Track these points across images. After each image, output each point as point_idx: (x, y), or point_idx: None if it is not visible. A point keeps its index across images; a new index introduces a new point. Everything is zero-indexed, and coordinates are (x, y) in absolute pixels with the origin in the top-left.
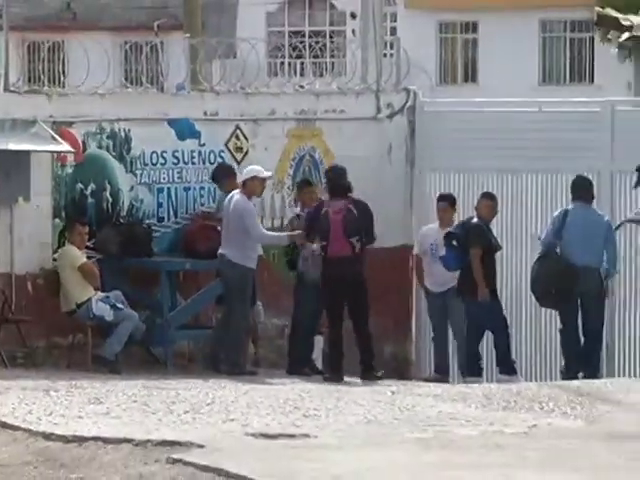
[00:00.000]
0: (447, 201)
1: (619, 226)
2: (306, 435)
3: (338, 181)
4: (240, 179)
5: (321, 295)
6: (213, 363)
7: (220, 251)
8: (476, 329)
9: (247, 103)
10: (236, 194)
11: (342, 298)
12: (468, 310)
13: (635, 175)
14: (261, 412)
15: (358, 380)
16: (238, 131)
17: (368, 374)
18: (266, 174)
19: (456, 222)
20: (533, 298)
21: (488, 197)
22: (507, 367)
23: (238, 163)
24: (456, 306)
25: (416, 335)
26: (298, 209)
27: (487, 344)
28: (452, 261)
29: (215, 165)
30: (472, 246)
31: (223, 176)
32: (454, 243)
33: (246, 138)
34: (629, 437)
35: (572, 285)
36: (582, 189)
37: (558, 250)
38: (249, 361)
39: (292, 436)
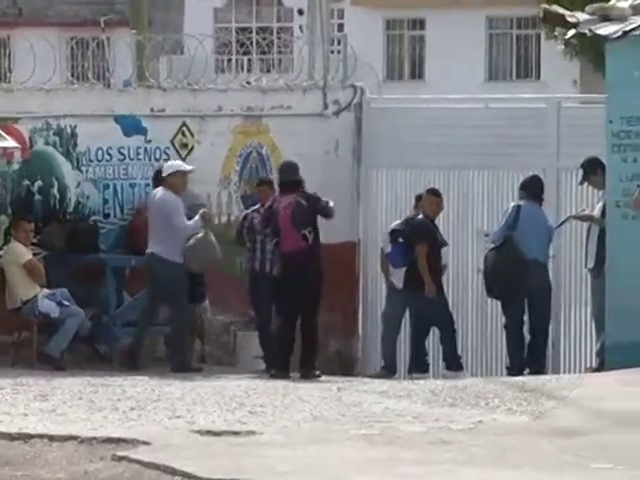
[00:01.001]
0: (438, 196)
1: (564, 222)
2: (252, 432)
3: (287, 176)
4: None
5: (275, 291)
6: (132, 361)
7: (149, 250)
8: (422, 325)
9: (194, 99)
10: (160, 190)
11: (296, 294)
12: (414, 306)
13: (580, 172)
14: (207, 409)
15: (295, 375)
16: (184, 127)
17: (308, 372)
18: (187, 168)
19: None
20: (479, 294)
21: (433, 193)
22: (453, 363)
23: (183, 159)
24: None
25: (363, 331)
26: (258, 206)
27: (433, 340)
28: (398, 258)
29: (157, 168)
30: (418, 243)
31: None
32: (400, 240)
33: (192, 134)
34: (574, 433)
35: (521, 278)
36: (535, 189)
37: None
38: (195, 358)
39: (238, 433)
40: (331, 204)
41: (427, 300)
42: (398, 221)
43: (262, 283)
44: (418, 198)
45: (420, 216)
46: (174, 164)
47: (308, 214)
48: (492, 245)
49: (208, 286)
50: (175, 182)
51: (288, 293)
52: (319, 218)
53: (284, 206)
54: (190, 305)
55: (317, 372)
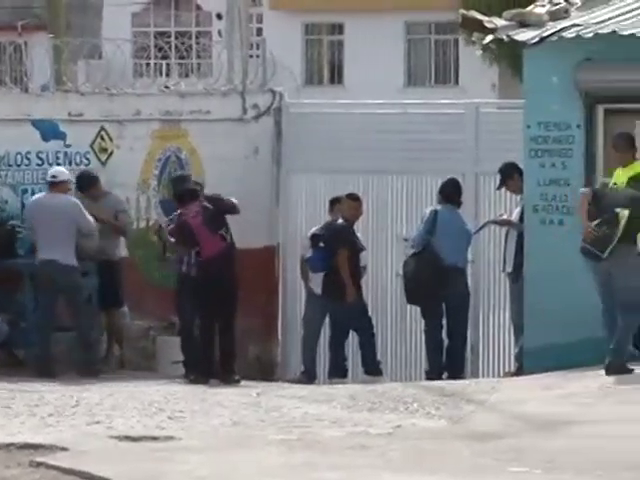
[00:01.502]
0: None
1: (482, 227)
2: (171, 437)
3: (183, 188)
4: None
5: (196, 295)
6: (44, 367)
7: (47, 257)
8: (341, 330)
9: (112, 104)
10: (57, 195)
11: (217, 296)
12: (333, 311)
13: (498, 177)
14: (126, 414)
15: (215, 381)
16: (103, 132)
17: (228, 377)
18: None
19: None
20: (398, 298)
21: (352, 197)
22: (372, 368)
23: (103, 164)
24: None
25: (282, 336)
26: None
27: (352, 345)
28: (318, 262)
29: (78, 173)
30: (339, 247)
31: (88, 184)
32: (320, 244)
33: (111, 139)
34: (492, 437)
35: (441, 284)
36: (453, 193)
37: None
38: (114, 363)
39: (156, 438)
40: (234, 200)
41: (346, 305)
42: (318, 226)
43: (188, 286)
44: (332, 202)
45: (340, 221)
46: (61, 169)
47: (217, 215)
48: (412, 250)
49: (127, 291)
50: (66, 187)
51: (210, 296)
52: (235, 224)
53: (192, 216)
54: (110, 310)
55: (237, 377)
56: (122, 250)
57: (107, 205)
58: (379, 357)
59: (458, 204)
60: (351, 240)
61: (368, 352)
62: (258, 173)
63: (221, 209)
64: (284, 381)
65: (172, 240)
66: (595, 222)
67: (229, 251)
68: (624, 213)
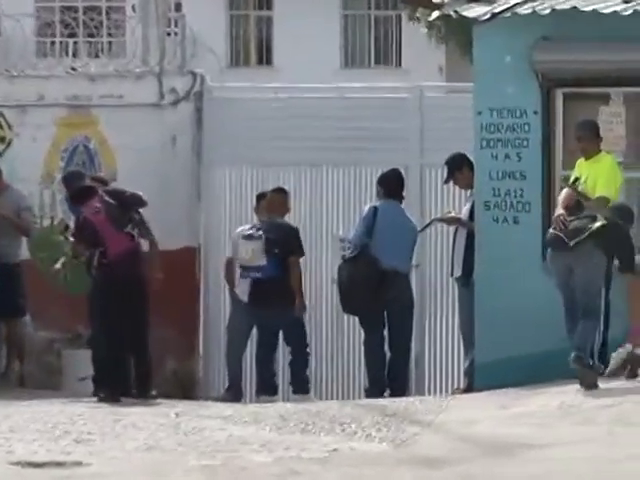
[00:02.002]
0: (282, 193)
1: (428, 225)
2: (78, 463)
3: (77, 186)
4: None
5: (103, 303)
6: None
7: None
8: (271, 342)
9: (11, 87)
10: None
11: (125, 305)
12: (262, 321)
13: (446, 170)
14: (27, 437)
15: (134, 400)
16: (1, 118)
17: (144, 392)
18: None
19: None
20: (334, 307)
21: (278, 191)
22: (301, 385)
23: (0, 155)
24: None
25: (204, 349)
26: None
27: (282, 359)
28: (274, 270)
29: None
30: (293, 253)
31: None
32: (276, 250)
33: (10, 127)
34: (440, 462)
35: (381, 290)
36: (394, 186)
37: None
38: (13, 379)
39: (62, 464)
40: (140, 193)
41: (280, 315)
42: (247, 225)
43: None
44: (259, 198)
45: (281, 220)
46: None
47: (122, 210)
48: (348, 253)
49: (28, 298)
50: None
51: (118, 302)
52: (151, 223)
53: (93, 213)
54: (9, 319)
55: (153, 393)
56: (23, 252)
57: (8, 200)
58: (312, 373)
59: (400, 199)
60: (301, 243)
61: (299, 368)
62: (176, 165)
63: (125, 203)
64: (206, 399)
65: (72, 240)
66: (571, 218)
67: (137, 251)
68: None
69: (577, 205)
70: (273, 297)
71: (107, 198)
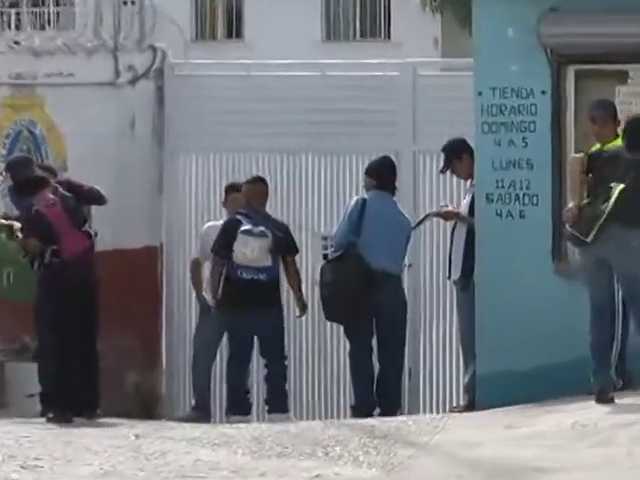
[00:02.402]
0: (264, 183)
1: (422, 221)
2: None
3: (27, 174)
4: None
5: (52, 309)
6: None
7: None
8: (247, 355)
9: None
10: None
11: (80, 307)
12: (245, 331)
13: (442, 157)
14: None
15: (82, 419)
16: None
17: (92, 411)
18: None
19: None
20: (316, 313)
21: (255, 181)
22: (279, 403)
23: None
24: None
25: (167, 361)
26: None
27: (257, 374)
28: (276, 271)
29: None
30: (290, 252)
31: None
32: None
33: None
34: None
35: (369, 295)
36: (385, 175)
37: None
38: None
39: None
40: (96, 187)
41: (260, 321)
42: (215, 222)
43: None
44: (228, 190)
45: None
46: None
47: (78, 205)
48: (331, 252)
49: None
50: None
51: (68, 308)
52: (106, 219)
53: (46, 205)
54: None
55: (98, 411)
56: None
57: None
58: (291, 389)
59: (392, 191)
60: (295, 241)
61: (277, 385)
62: (135, 152)
63: (82, 198)
64: (170, 419)
65: (18, 237)
66: (586, 200)
67: (92, 251)
68: (618, 187)
69: (591, 170)
70: (261, 300)
71: (62, 190)
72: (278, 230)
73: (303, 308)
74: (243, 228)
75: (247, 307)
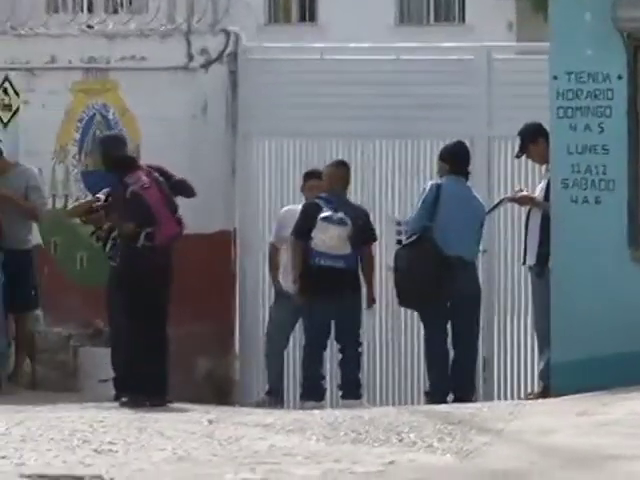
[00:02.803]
0: (319, 178)
1: (497, 206)
2: (98, 477)
3: (118, 151)
4: None
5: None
6: None
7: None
8: (324, 341)
9: (19, 48)
10: None
11: (163, 294)
12: (324, 318)
13: (518, 142)
14: (40, 447)
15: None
16: (7, 84)
17: (162, 397)
18: None
19: None
20: (390, 299)
21: (341, 165)
22: (353, 389)
23: (4, 125)
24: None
25: (241, 347)
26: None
27: (331, 359)
28: (355, 260)
29: None
30: (368, 240)
31: None
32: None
33: (17, 93)
34: (511, 476)
35: (444, 281)
36: (458, 159)
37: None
38: (24, 381)
39: (80, 478)
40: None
41: (339, 308)
42: (291, 206)
43: (125, 279)
44: (308, 176)
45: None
46: None
47: (173, 191)
48: (405, 238)
49: (42, 291)
50: None
51: (150, 292)
52: (180, 203)
53: (142, 187)
54: (19, 314)
55: (168, 398)
56: (35, 237)
57: (15, 180)
58: (365, 375)
59: (466, 175)
60: (374, 228)
61: (352, 370)
62: (208, 137)
63: (175, 187)
64: (245, 405)
65: (103, 219)
66: None
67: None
68: None
69: None
70: (341, 287)
71: (156, 175)
72: (358, 217)
73: (372, 301)
74: (323, 215)
75: (325, 294)
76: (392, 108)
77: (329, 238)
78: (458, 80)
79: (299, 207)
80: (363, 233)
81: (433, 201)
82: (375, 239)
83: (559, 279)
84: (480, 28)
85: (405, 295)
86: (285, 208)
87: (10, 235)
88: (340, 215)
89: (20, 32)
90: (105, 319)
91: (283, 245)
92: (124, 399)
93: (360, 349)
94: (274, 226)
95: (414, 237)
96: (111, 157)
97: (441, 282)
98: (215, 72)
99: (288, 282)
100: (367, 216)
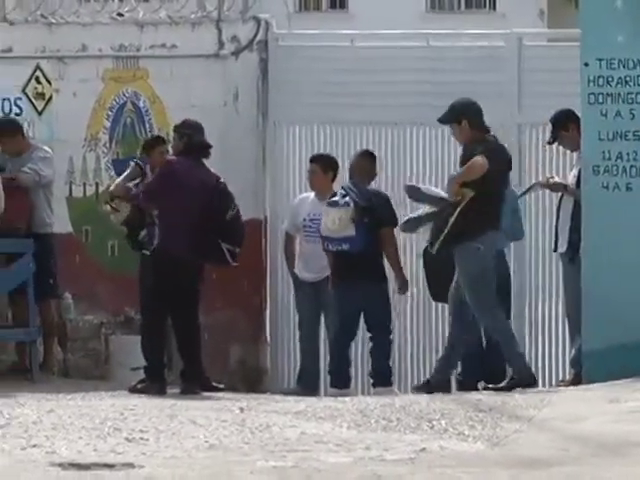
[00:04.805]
0: (318, 163)
1: (528, 190)
2: (130, 465)
3: (199, 136)
4: None
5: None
6: None
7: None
8: (353, 327)
9: (50, 36)
10: None
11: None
12: (350, 303)
13: (549, 129)
14: (71, 435)
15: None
16: (39, 72)
17: (186, 387)
18: None
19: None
20: (420, 286)
21: (367, 155)
22: (383, 377)
23: (39, 113)
24: (330, 299)
25: (272, 335)
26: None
27: (360, 346)
28: (363, 242)
29: None
30: (386, 224)
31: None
32: (365, 220)
33: (49, 81)
34: (544, 464)
35: None
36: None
37: None
38: (55, 369)
39: (112, 466)
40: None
41: (365, 294)
42: (305, 194)
43: (162, 265)
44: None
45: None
46: None
47: None
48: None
49: (73, 278)
50: None
51: (184, 280)
52: None
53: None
54: (43, 300)
55: (196, 389)
56: (64, 224)
57: (27, 160)
58: (395, 363)
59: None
60: (394, 211)
61: (381, 357)
62: (239, 125)
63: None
64: (275, 392)
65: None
66: None
67: None
68: None
69: None
70: (360, 273)
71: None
72: (366, 200)
73: (403, 284)
74: (329, 200)
75: (346, 280)
76: (423, 95)
77: (330, 221)
78: (488, 67)
79: (312, 195)
80: (378, 216)
81: None
82: (395, 224)
83: (590, 266)
84: (511, 15)
85: (436, 291)
86: (299, 196)
87: (32, 218)
88: (346, 199)
89: (51, 21)
90: (136, 307)
91: (297, 234)
92: (138, 385)
93: (391, 337)
94: (288, 214)
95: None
96: (197, 144)
97: None
98: (245, 60)
99: (303, 271)
100: (387, 200)
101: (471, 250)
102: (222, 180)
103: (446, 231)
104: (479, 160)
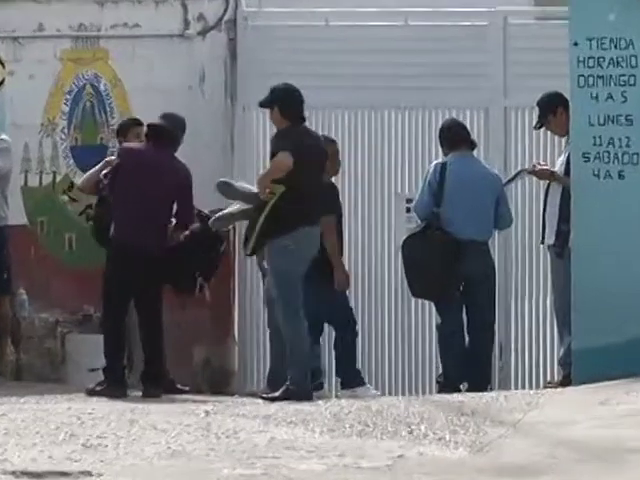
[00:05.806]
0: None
1: (514, 178)
2: (87, 472)
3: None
4: None
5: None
6: None
7: None
8: (314, 325)
9: (4, 15)
10: None
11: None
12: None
13: (536, 112)
14: (25, 442)
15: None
16: None
17: (151, 390)
18: None
19: None
20: (399, 281)
21: (328, 141)
22: (351, 378)
23: None
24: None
25: (240, 334)
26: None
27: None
28: None
29: None
30: (326, 212)
31: None
32: None
33: (2, 63)
34: (528, 471)
35: (457, 266)
36: (458, 134)
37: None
38: (7, 371)
39: (68, 474)
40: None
41: (321, 292)
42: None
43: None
44: None
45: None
46: None
47: None
48: (414, 226)
49: (27, 273)
50: None
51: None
52: None
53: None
54: None
55: (158, 391)
56: (19, 216)
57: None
58: (373, 363)
59: (471, 147)
60: (338, 202)
61: (347, 356)
62: (205, 108)
63: None
64: (243, 395)
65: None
66: None
67: None
68: None
69: None
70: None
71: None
72: None
73: (342, 280)
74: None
75: None
76: (401, 77)
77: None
78: (472, 47)
79: None
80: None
81: (439, 183)
82: (333, 212)
83: (580, 259)
84: None
85: (416, 287)
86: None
87: None
88: None
89: None
90: (95, 304)
91: None
92: (101, 386)
93: (357, 329)
94: None
95: (422, 225)
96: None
97: (453, 271)
98: (213, 40)
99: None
100: (332, 187)
101: (279, 247)
102: (205, 212)
103: (258, 229)
104: (281, 159)
